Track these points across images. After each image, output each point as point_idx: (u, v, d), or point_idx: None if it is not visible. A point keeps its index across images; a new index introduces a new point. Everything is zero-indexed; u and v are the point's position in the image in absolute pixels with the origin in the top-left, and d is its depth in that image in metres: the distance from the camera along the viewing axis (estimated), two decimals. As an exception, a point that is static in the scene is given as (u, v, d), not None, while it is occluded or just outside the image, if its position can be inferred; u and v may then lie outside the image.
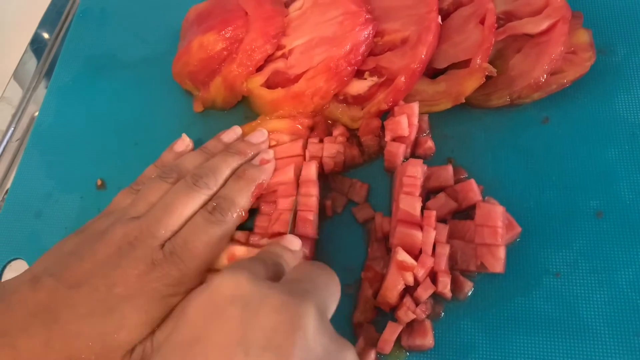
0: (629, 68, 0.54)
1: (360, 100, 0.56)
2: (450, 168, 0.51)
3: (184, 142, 0.55)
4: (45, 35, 0.76)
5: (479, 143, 0.53)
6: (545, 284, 0.47)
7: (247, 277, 0.34)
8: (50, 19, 0.76)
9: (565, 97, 0.53)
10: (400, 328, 0.46)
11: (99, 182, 0.59)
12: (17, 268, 0.57)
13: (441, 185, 0.50)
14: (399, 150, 0.51)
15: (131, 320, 0.40)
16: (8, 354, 0.38)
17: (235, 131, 0.55)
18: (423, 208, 0.48)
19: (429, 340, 0.45)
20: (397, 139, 0.52)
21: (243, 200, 0.48)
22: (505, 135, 0.53)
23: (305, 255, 0.48)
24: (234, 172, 0.50)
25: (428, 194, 0.51)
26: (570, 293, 0.46)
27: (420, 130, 0.54)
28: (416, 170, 0.48)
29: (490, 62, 0.53)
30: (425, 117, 0.54)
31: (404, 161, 0.52)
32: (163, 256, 0.43)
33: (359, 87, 0.55)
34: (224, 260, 0.48)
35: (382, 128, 0.54)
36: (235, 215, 0.47)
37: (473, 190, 0.49)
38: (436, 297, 0.47)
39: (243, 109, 0.60)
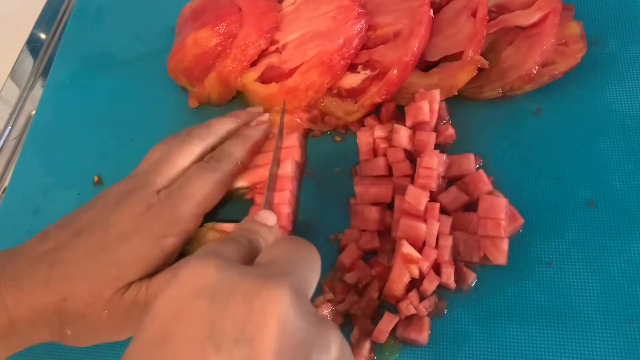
0: (620, 59, 0.54)
1: (354, 94, 0.56)
2: (472, 156, 0.50)
3: None
4: (42, 35, 0.76)
5: (472, 135, 0.54)
6: (538, 274, 0.47)
7: (215, 265, 0.31)
8: (46, 19, 0.77)
9: (557, 88, 0.54)
10: (396, 319, 0.46)
11: (96, 179, 0.60)
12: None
13: (462, 174, 0.50)
14: (430, 139, 0.50)
15: (123, 256, 0.43)
16: (14, 294, 0.42)
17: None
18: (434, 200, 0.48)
19: (424, 337, 0.45)
20: (418, 124, 0.52)
21: (239, 152, 0.50)
22: (497, 127, 0.54)
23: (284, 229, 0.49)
24: (230, 134, 0.53)
25: (449, 183, 0.51)
26: (563, 282, 0.46)
27: (439, 118, 0.53)
28: (433, 161, 0.47)
29: (483, 55, 0.53)
30: (444, 105, 0.54)
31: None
32: (158, 200, 0.45)
33: (352, 80, 0.56)
34: (209, 238, 0.49)
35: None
36: (230, 163, 0.49)
37: (483, 180, 0.48)
38: (440, 293, 0.47)
39: (238, 104, 0.61)
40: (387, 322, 0.46)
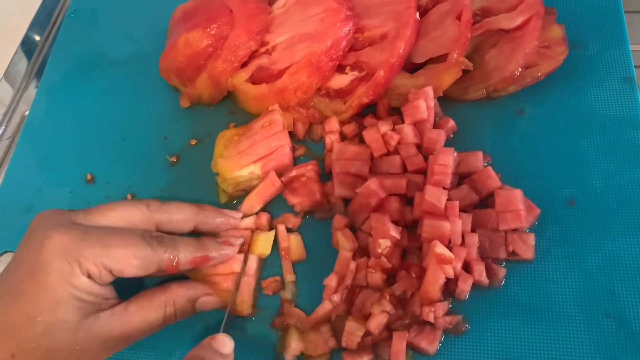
0: (601, 62, 0.56)
1: (342, 94, 0.57)
2: (480, 154, 0.51)
3: None
4: (36, 37, 0.77)
5: (457, 135, 0.55)
6: (519, 270, 0.48)
7: None
8: (40, 20, 0.78)
9: (539, 90, 0.55)
10: (405, 335, 0.45)
11: (89, 177, 0.61)
12: (7, 261, 0.58)
13: (471, 171, 0.51)
14: (440, 137, 0.51)
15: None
16: None
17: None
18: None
19: (433, 348, 0.45)
20: (417, 123, 0.53)
21: (183, 255, 0.46)
22: (482, 127, 0.55)
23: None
24: (186, 222, 0.49)
25: (460, 179, 0.51)
26: (544, 278, 0.47)
27: (435, 114, 0.54)
28: (448, 159, 0.48)
29: (467, 57, 0.54)
30: (436, 101, 0.54)
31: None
32: (71, 221, 0.44)
33: (340, 81, 0.57)
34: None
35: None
36: (168, 254, 0.45)
37: (491, 177, 0.49)
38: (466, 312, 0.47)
39: (229, 104, 0.62)
40: (399, 341, 0.45)
